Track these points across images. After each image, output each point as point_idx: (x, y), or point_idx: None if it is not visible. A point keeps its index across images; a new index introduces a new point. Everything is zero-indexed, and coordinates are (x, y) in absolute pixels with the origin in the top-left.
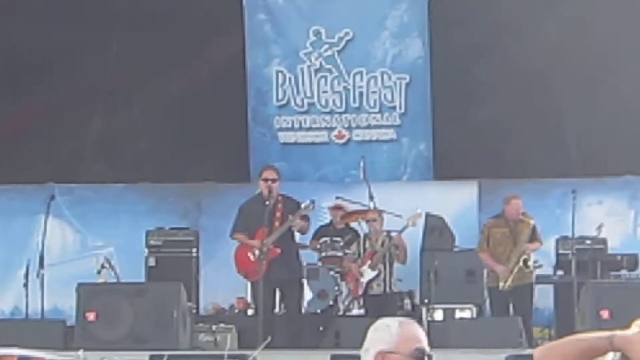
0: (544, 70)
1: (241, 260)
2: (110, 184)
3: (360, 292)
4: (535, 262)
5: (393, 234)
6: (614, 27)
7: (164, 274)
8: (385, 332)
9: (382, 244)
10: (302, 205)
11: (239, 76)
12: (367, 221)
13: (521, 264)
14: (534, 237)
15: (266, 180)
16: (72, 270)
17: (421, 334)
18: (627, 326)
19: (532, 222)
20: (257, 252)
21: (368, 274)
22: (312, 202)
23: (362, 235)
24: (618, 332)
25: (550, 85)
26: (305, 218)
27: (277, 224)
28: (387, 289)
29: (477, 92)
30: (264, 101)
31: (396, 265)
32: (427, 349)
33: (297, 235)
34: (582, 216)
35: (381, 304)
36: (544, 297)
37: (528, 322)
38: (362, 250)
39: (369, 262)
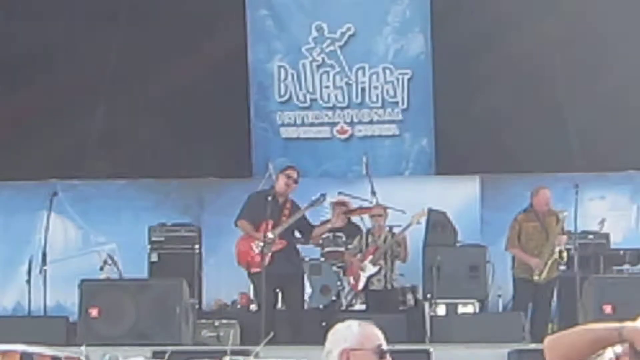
0: (547, 65)
1: (242, 251)
2: (112, 180)
3: (360, 286)
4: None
5: (395, 230)
6: (616, 23)
7: (167, 270)
8: (346, 331)
9: (385, 240)
10: (313, 199)
11: (241, 72)
12: (372, 216)
13: (556, 256)
14: (563, 230)
15: (289, 177)
16: (74, 267)
17: (380, 333)
18: (631, 320)
19: (560, 214)
20: (260, 243)
21: (369, 269)
22: (323, 195)
23: (364, 230)
24: (628, 324)
25: (552, 80)
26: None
27: (284, 218)
28: (388, 285)
29: (479, 87)
30: (266, 97)
31: (397, 262)
32: (386, 347)
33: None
34: (584, 211)
35: (382, 300)
36: None
37: (547, 317)
38: (364, 246)
39: (370, 257)
